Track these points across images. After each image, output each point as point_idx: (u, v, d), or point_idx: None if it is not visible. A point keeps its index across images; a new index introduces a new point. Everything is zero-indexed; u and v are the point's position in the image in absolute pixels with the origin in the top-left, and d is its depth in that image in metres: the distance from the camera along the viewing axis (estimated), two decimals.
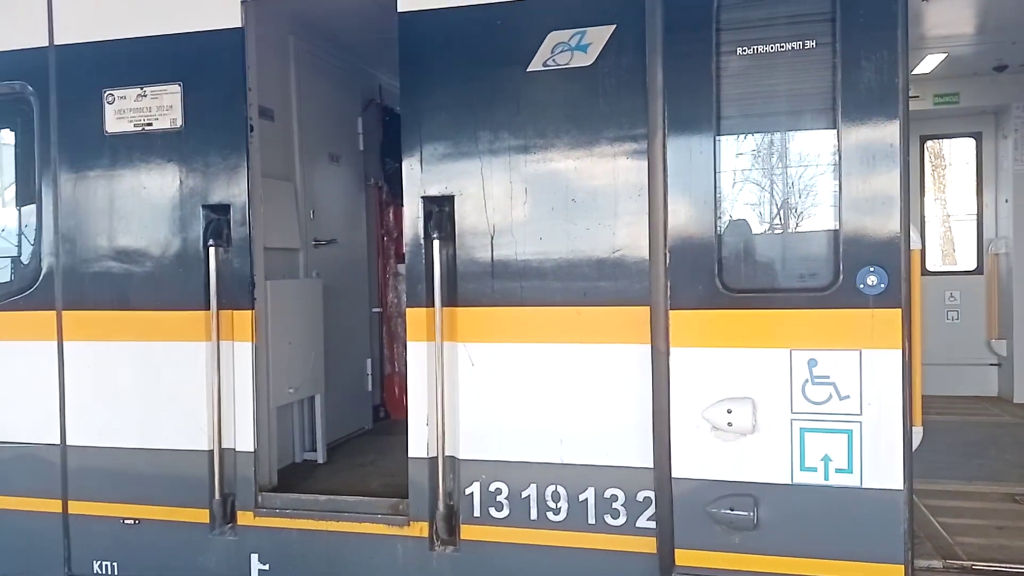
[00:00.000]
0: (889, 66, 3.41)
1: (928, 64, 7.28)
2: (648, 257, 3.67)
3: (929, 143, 8.93)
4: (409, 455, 4.04)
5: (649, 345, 3.66)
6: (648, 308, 3.66)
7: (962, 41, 6.78)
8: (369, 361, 6.22)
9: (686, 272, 3.62)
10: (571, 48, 3.82)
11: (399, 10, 4.03)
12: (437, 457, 3.94)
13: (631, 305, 3.73)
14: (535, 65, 3.85)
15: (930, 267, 8.65)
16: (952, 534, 4.07)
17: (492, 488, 3.94)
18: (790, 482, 3.51)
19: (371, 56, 5.95)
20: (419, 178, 4.00)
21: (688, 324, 3.62)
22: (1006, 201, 7.93)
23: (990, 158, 8.29)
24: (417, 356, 4.01)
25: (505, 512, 3.92)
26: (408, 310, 4.07)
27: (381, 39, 4.53)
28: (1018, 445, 6.05)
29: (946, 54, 7.04)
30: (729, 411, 3.55)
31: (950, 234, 13.13)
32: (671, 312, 3.62)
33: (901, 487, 3.39)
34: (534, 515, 3.88)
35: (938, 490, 4.69)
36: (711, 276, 3.60)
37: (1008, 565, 3.70)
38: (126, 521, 4.46)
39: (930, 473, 4.84)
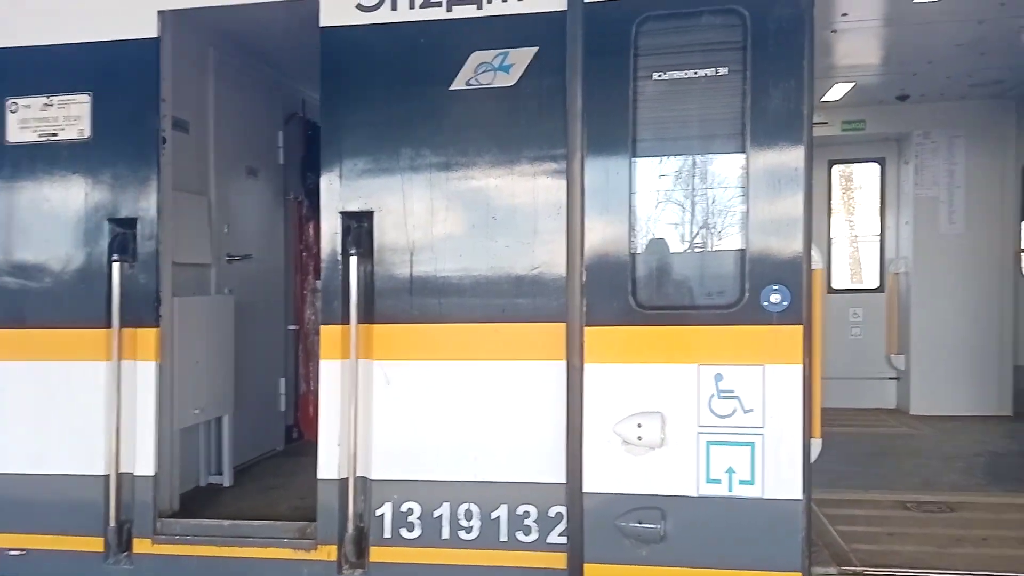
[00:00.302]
0: (795, 94, 3.58)
1: (837, 92, 7.66)
2: (565, 275, 3.74)
3: (840, 167, 9.37)
4: (319, 476, 3.97)
5: (565, 361, 3.72)
6: (564, 325, 3.73)
7: (868, 71, 7.17)
8: (283, 380, 6.09)
9: (601, 290, 3.71)
10: (494, 68, 3.87)
11: (321, 25, 4.02)
12: (348, 478, 3.89)
13: (548, 322, 3.78)
14: (458, 84, 3.89)
15: (836, 285, 9.05)
16: (848, 541, 4.26)
17: (404, 508, 3.91)
18: (696, 494, 3.61)
19: (294, 69, 5.90)
20: (338, 193, 3.97)
21: (602, 340, 3.71)
22: (906, 223, 8.40)
23: (893, 182, 8.77)
24: (330, 375, 3.95)
25: (417, 532, 3.89)
26: (322, 327, 4.02)
27: (305, 53, 4.51)
28: (912, 455, 6.39)
29: (854, 83, 7.42)
30: (639, 425, 3.64)
31: (858, 254, 13.75)
32: (586, 329, 3.70)
33: (800, 497, 3.53)
34: (446, 534, 3.87)
35: (837, 499, 4.90)
36: (625, 294, 3.70)
37: (897, 570, 3.90)
38: (12, 552, 4.24)
39: (830, 483, 5.05)
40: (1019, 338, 7.54)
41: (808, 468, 3.55)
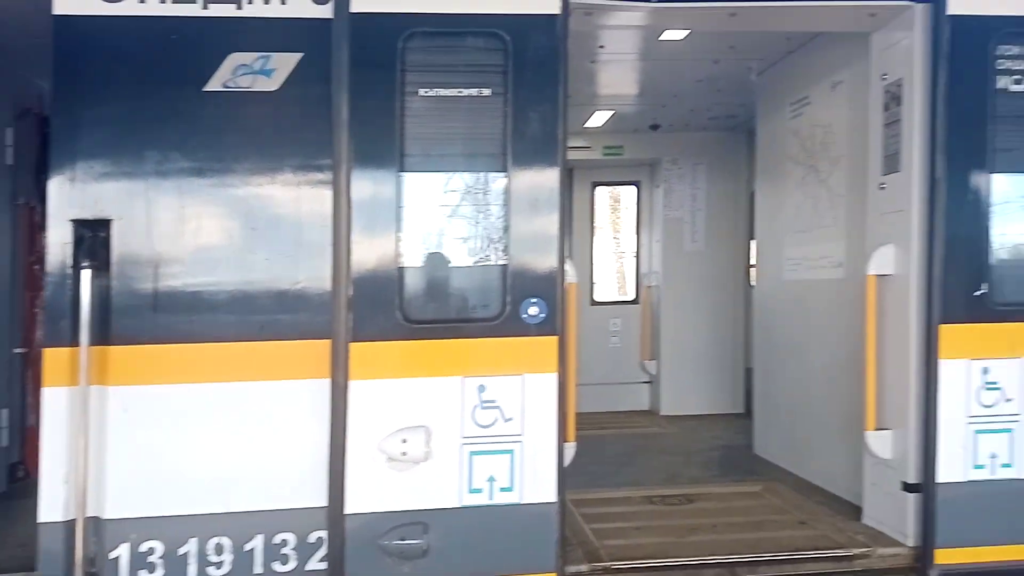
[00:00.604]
0: (551, 118, 3.81)
1: (598, 119, 8.23)
2: (331, 289, 3.66)
3: (607, 189, 10.04)
4: (39, 519, 3.53)
5: (329, 379, 3.63)
6: (329, 341, 3.64)
7: (625, 101, 7.78)
8: (6, 411, 5.39)
9: (369, 304, 3.68)
10: (254, 72, 3.73)
11: (55, 12, 3.63)
12: (76, 520, 3.49)
13: (312, 339, 3.68)
14: (213, 85, 3.69)
15: (598, 298, 9.70)
16: (599, 538, 4.53)
17: (144, 548, 3.59)
18: (458, 505, 3.69)
19: (29, 60, 5.23)
20: (69, 198, 3.58)
21: (368, 356, 3.68)
22: (657, 241, 9.21)
23: (647, 204, 9.59)
24: (55, 404, 3.54)
25: (159, 573, 3.59)
26: (46, 350, 3.59)
27: (40, 42, 4.04)
28: (660, 452, 6.99)
29: (613, 111, 8.02)
30: (404, 440, 3.66)
31: (623, 269, 14.88)
32: (352, 345, 3.65)
33: (555, 500, 3.73)
34: (192, 572, 3.61)
35: (592, 498, 5.20)
36: (392, 308, 3.71)
37: (641, 561, 4.22)
38: None
39: (588, 483, 5.36)
40: (748, 343, 8.52)
41: (562, 471, 3.76)
